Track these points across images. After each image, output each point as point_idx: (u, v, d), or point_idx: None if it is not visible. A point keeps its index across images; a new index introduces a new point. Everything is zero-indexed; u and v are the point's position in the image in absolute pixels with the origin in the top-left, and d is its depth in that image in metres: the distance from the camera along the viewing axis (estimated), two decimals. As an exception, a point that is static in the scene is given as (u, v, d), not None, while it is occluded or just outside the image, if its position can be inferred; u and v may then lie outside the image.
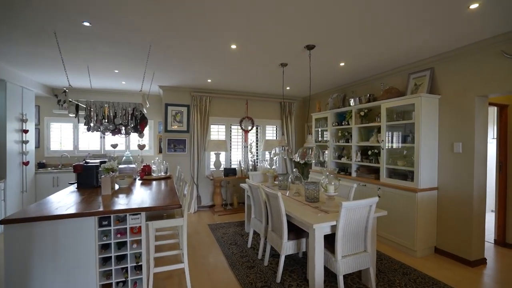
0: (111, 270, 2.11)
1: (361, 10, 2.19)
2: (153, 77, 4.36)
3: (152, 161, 4.16)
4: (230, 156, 5.78)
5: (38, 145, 5.32)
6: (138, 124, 3.52)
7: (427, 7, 2.13)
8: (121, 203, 2.27)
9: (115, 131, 3.43)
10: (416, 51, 3.13)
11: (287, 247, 2.58)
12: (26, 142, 4.43)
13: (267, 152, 5.84)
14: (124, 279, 2.15)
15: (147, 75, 4.11)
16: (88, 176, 2.98)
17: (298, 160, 3.09)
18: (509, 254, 3.28)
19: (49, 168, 5.22)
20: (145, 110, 3.68)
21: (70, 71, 4.01)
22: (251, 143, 5.92)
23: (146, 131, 6.07)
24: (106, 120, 3.29)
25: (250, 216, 3.83)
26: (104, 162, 3.21)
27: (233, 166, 5.73)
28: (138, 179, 3.73)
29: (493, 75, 2.76)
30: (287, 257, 3.11)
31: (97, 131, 3.31)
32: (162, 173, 4.02)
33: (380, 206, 3.48)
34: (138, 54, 3.27)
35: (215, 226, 4.34)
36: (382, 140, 3.61)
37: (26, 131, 4.42)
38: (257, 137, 6.10)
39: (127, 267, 2.16)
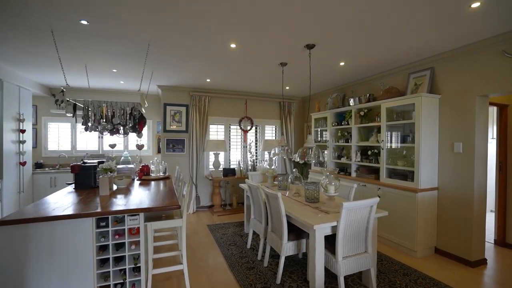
0: (109, 271, 2.08)
1: (362, 9, 2.17)
2: (152, 76, 4.33)
3: (151, 161, 4.13)
4: (229, 156, 5.75)
5: (35, 145, 5.28)
6: (137, 124, 3.49)
7: (428, 6, 2.11)
8: (119, 203, 2.24)
9: (113, 131, 3.39)
10: (416, 50, 3.12)
11: (287, 248, 2.55)
12: (23, 142, 4.39)
13: (266, 152, 5.82)
14: (122, 281, 2.12)
15: (145, 74, 4.08)
16: (86, 176, 2.95)
17: (297, 160, 3.07)
18: (509, 255, 3.27)
19: (46, 168, 5.17)
20: (143, 110, 3.65)
21: (68, 71, 3.98)
22: (250, 143, 5.89)
23: (145, 131, 6.03)
24: (104, 120, 3.26)
25: (249, 216, 3.81)
26: (102, 162, 3.18)
27: (232, 166, 5.71)
28: (137, 180, 3.70)
29: (494, 74, 2.75)
30: (287, 258, 3.09)
31: (95, 131, 3.27)
32: (161, 174, 3.99)
33: (380, 207, 3.47)
34: (136, 53, 3.24)
35: (214, 226, 4.32)
36: (382, 140, 3.59)
37: (23, 131, 4.38)
38: (256, 137, 6.08)
39: (125, 268, 2.13)
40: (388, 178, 3.54)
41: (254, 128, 5.95)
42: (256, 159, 5.94)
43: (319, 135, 5.29)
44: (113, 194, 2.66)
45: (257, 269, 2.88)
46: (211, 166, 5.47)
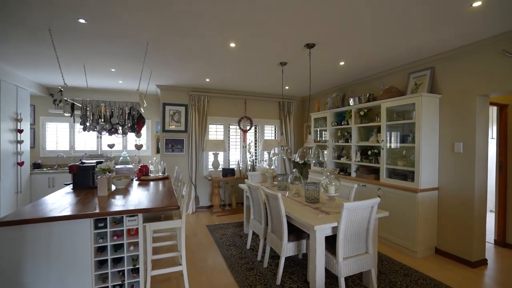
0: (107, 273, 2.06)
1: (362, 8, 2.15)
2: (151, 76, 4.31)
3: (150, 162, 4.10)
4: (229, 156, 5.73)
5: (33, 145, 5.24)
6: (135, 123, 3.47)
7: (429, 6, 2.10)
8: (118, 204, 2.22)
9: (112, 131, 3.37)
10: (416, 50, 3.10)
11: (287, 249, 2.53)
12: (21, 142, 4.36)
13: (265, 152, 5.80)
14: (120, 283, 2.10)
15: (144, 74, 4.05)
16: (84, 176, 2.92)
17: (297, 160, 3.05)
18: (510, 255, 3.27)
19: (44, 169, 5.14)
20: (142, 110, 3.62)
21: (66, 70, 3.95)
22: (249, 143, 5.88)
23: (144, 131, 6.01)
24: (102, 120, 3.23)
25: (249, 217, 3.79)
26: (101, 162, 3.16)
27: (231, 166, 5.69)
28: (135, 180, 3.67)
29: (494, 74, 2.74)
30: (286, 258, 3.07)
31: (93, 130, 3.25)
32: (160, 174, 3.96)
33: (380, 207, 3.43)
34: (135, 52, 3.21)
35: (214, 227, 4.29)
36: (382, 140, 3.58)
37: (21, 131, 4.35)
38: (255, 137, 6.06)
39: (123, 270, 2.11)
40: (388, 178, 3.53)
41: (253, 128, 5.93)
42: (256, 159, 5.92)
43: (318, 135, 5.28)
44: (112, 194, 2.64)
45: (257, 270, 2.86)
46: (210, 166, 5.45)
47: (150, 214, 2.63)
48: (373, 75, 4.21)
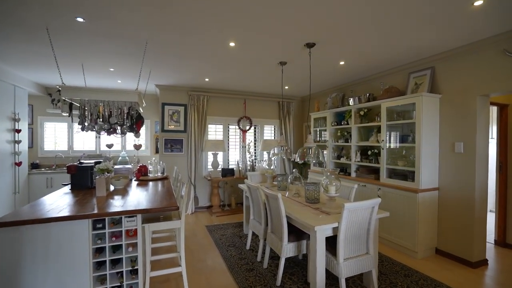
0: (106, 274, 2.04)
1: (362, 7, 2.14)
2: (150, 75, 4.28)
3: (149, 162, 4.08)
4: (228, 156, 5.71)
5: (31, 145, 5.21)
6: (134, 123, 3.45)
7: (431, 4, 2.08)
8: (116, 205, 2.20)
9: (110, 131, 3.35)
10: (417, 49, 3.09)
11: (288, 250, 2.52)
12: (19, 142, 4.32)
13: (265, 152, 5.79)
14: (119, 284, 2.07)
15: (143, 73, 4.02)
16: (82, 177, 2.89)
17: (297, 160, 3.04)
18: (510, 255, 3.26)
19: (42, 169, 5.11)
20: (141, 109, 3.60)
21: (64, 70, 3.92)
22: (249, 143, 5.86)
23: (143, 131, 5.97)
24: (101, 120, 3.21)
25: (248, 217, 3.77)
26: (99, 162, 3.13)
27: (231, 167, 5.67)
28: (134, 180, 3.65)
29: (495, 74, 2.73)
30: (286, 259, 3.05)
31: (92, 130, 3.22)
32: (159, 174, 3.94)
33: (381, 207, 3.40)
34: (134, 52, 3.19)
35: (213, 227, 4.27)
36: (382, 140, 3.56)
37: (18, 131, 4.31)
38: (255, 137, 6.04)
39: (122, 271, 2.08)
40: (388, 178, 3.52)
41: (253, 128, 5.91)
42: (255, 159, 5.91)
43: (318, 135, 5.26)
44: (110, 195, 2.62)
45: (256, 270, 2.85)
46: (209, 166, 5.43)
47: (149, 215, 2.61)
48: (373, 74, 4.20)
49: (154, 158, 5.13)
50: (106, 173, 2.66)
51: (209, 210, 5.29)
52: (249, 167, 5.53)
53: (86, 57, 3.39)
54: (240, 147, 5.82)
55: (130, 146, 5.85)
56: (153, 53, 3.26)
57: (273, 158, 5.57)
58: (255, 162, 5.69)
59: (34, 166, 5.06)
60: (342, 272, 2.17)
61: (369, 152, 3.91)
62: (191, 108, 5.17)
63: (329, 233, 2.25)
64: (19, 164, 4.33)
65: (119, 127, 3.35)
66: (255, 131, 6.04)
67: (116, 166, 3.81)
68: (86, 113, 3.14)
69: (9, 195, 4.14)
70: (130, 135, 5.41)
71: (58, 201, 2.30)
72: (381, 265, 2.96)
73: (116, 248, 2.12)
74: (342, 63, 3.62)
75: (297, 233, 2.61)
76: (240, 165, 5.54)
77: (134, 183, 3.43)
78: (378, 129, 3.78)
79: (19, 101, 4.40)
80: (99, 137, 5.72)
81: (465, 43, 2.88)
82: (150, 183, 3.46)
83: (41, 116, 5.36)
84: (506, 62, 2.63)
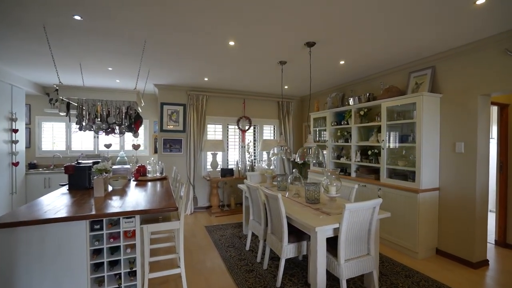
0: (104, 276, 2.01)
1: (363, 6, 2.11)
2: (148, 75, 4.25)
3: (147, 162, 4.05)
4: (227, 156, 5.68)
5: (29, 145, 5.16)
6: (133, 123, 3.41)
7: (432, 3, 2.06)
8: (115, 205, 2.17)
9: (109, 131, 3.31)
10: (417, 49, 3.07)
11: (288, 251, 2.49)
12: (16, 142, 4.28)
13: (264, 152, 5.76)
14: (117, 286, 2.05)
15: (142, 73, 3.99)
16: (80, 177, 2.87)
17: (297, 160, 3.01)
18: (511, 255, 3.24)
19: (40, 169, 5.06)
20: (140, 109, 3.57)
21: (62, 69, 3.88)
22: (248, 143, 5.83)
23: (141, 130, 5.95)
24: (99, 119, 3.17)
25: (248, 217, 3.74)
26: (97, 162, 3.10)
27: (230, 167, 5.64)
28: (133, 180, 3.62)
29: (496, 73, 2.71)
30: (286, 260, 3.03)
31: (90, 130, 3.18)
32: (158, 174, 3.91)
33: (381, 207, 3.36)
34: (132, 50, 3.15)
35: (212, 228, 4.24)
36: (383, 140, 3.55)
37: (15, 131, 4.28)
38: (254, 137, 6.02)
39: (120, 273, 2.06)
40: (389, 178, 3.50)
41: (252, 127, 5.88)
42: (255, 159, 5.88)
43: (318, 135, 5.24)
44: (108, 195, 2.58)
45: (256, 271, 2.82)
46: (208, 167, 5.40)
47: (147, 216, 2.58)
48: (373, 74, 4.18)
49: (153, 158, 5.10)
50: (104, 173, 2.63)
51: (208, 211, 5.26)
52: (248, 167, 5.50)
53: (84, 56, 3.36)
54: (239, 147, 5.80)
55: (128, 146, 5.81)
56: (152, 52, 3.23)
57: (272, 158, 5.55)
58: (254, 162, 5.67)
59: (31, 166, 5.01)
60: (343, 273, 2.14)
61: (369, 152, 3.89)
62: (190, 107, 5.14)
63: (330, 234, 2.23)
64: (16, 164, 4.29)
65: (117, 127, 3.31)
66: (254, 131, 6.01)
67: (114, 166, 3.78)
68: (84, 112, 3.10)
69: (6, 196, 4.10)
70: (128, 135, 5.37)
71: (55, 202, 2.27)
72: (382, 265, 2.94)
73: (114, 250, 2.10)
74: (342, 62, 3.60)
75: (297, 234, 2.58)
76: (240, 165, 5.51)
77: (133, 183, 3.40)
78: (378, 129, 3.76)
79: (16, 101, 4.36)
80: (98, 137, 5.69)
81: (466, 42, 2.86)
82: (149, 183, 3.43)
83: (38, 116, 5.32)
84: (507, 61, 2.61)
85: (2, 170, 4.00)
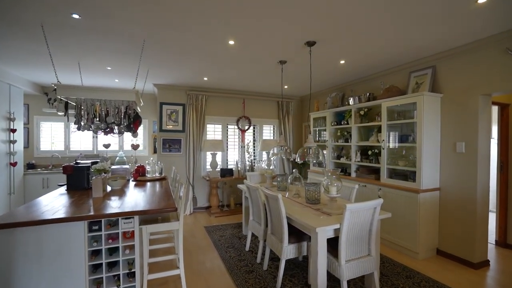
0: (102, 277, 1.99)
1: (364, 5, 2.10)
2: (147, 74, 4.23)
3: (146, 162, 4.03)
4: (227, 156, 5.66)
5: (27, 145, 5.13)
6: (132, 123, 3.39)
7: (434, 2, 2.05)
8: (113, 206, 2.15)
9: (108, 131, 3.29)
10: (418, 48, 3.06)
11: (288, 251, 2.47)
12: (14, 142, 4.25)
13: (264, 152, 5.74)
14: (116, 287, 2.02)
15: (141, 72, 3.97)
16: (79, 177, 2.84)
17: (297, 160, 2.99)
18: (511, 256, 3.24)
19: (38, 169, 5.03)
20: (139, 109, 3.54)
21: (60, 68, 3.85)
22: (248, 143, 5.81)
23: (140, 130, 5.92)
24: (97, 119, 3.15)
25: (248, 218, 3.72)
26: (96, 162, 3.07)
27: (229, 167, 5.62)
28: (132, 181, 3.60)
29: (497, 73, 2.70)
30: (287, 261, 3.01)
31: (88, 130, 3.16)
32: (157, 174, 3.89)
33: (381, 207, 3.37)
34: (131, 50, 3.13)
35: (212, 228, 4.22)
36: (383, 140, 3.53)
37: (14, 131, 4.25)
38: (254, 137, 6.00)
39: (119, 274, 2.04)
40: (389, 178, 3.48)
41: (252, 127, 5.87)
42: (254, 159, 5.86)
43: (318, 135, 5.23)
44: (107, 196, 2.56)
45: (256, 272, 2.80)
46: (208, 167, 5.38)
47: (146, 216, 2.56)
48: (373, 74, 4.17)
49: (152, 158, 5.08)
50: (103, 174, 2.61)
51: (208, 211, 5.24)
52: (248, 167, 5.48)
53: (83, 55, 3.33)
54: (239, 147, 5.78)
55: (127, 146, 5.78)
56: (151, 52, 3.21)
57: (272, 158, 5.53)
58: (254, 162, 5.65)
59: (30, 166, 4.98)
60: (344, 274, 2.13)
61: (369, 152, 3.87)
62: (189, 107, 5.12)
63: (331, 235, 2.21)
64: (14, 164, 4.26)
65: (116, 127, 3.29)
66: (254, 131, 5.99)
67: (113, 167, 3.76)
68: (82, 112, 3.08)
69: (4, 196, 4.07)
70: (127, 135, 5.34)
71: (54, 202, 2.24)
72: (383, 266, 2.92)
73: (112, 251, 2.08)
74: (342, 62, 3.59)
75: (297, 235, 2.57)
76: (239, 165, 5.49)
77: (132, 183, 3.38)
78: (379, 129, 3.75)
79: (14, 100, 4.33)
80: (96, 137, 5.66)
81: (467, 42, 2.85)
82: (148, 183, 3.41)
83: (37, 115, 5.29)
84: (508, 61, 2.60)
85: (0, 170, 3.97)
